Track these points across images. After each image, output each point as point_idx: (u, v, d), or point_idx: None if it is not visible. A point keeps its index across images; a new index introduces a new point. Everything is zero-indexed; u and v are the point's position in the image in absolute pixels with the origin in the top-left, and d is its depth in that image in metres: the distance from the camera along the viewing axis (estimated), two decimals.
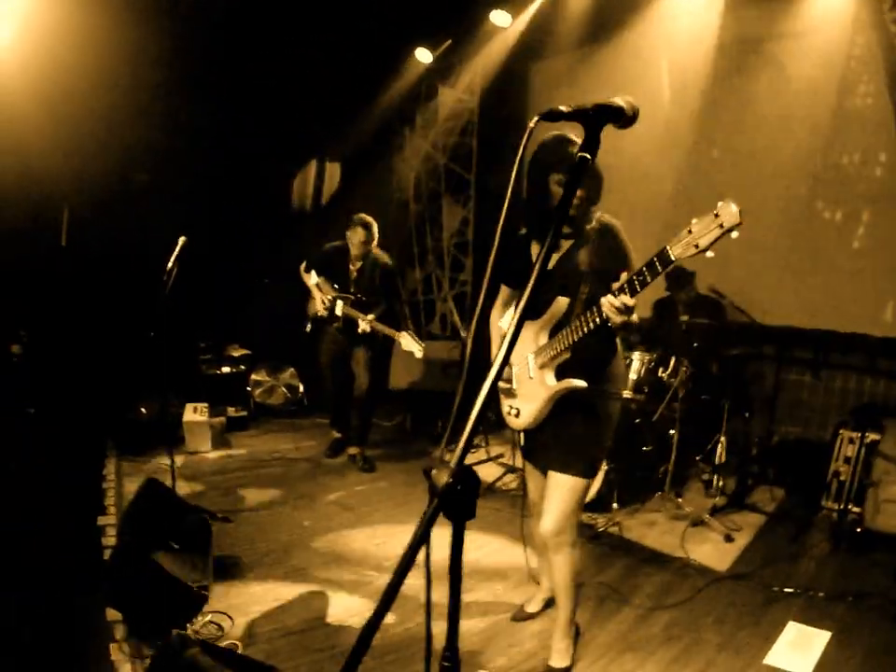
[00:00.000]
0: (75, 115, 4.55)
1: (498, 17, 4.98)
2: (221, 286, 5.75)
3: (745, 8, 4.40)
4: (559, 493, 2.20)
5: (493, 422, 4.99)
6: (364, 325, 4.22)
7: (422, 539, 0.94)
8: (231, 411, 5.18)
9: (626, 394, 3.93)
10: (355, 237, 4.30)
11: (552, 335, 2.18)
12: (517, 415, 2.30)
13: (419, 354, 4.07)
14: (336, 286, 4.44)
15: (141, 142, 5.11)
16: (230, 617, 2.64)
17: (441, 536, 0.91)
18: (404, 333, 4.11)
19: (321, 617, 2.72)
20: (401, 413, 5.75)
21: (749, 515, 3.71)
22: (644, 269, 1.78)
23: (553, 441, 2.26)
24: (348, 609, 2.78)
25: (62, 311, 4.86)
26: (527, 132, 1.11)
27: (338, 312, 4.36)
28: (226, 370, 5.48)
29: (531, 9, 4.90)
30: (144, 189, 5.32)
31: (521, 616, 2.72)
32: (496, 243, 1.16)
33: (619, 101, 1.20)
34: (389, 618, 2.56)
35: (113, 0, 4.25)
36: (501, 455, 4.79)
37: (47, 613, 2.52)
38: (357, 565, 3.19)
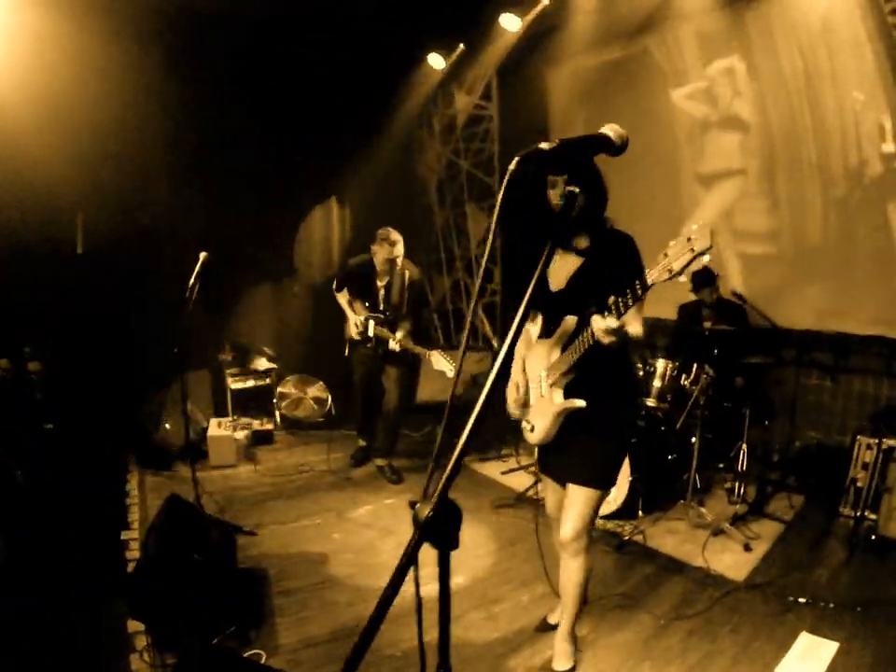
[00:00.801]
0: (80, 125, 4.71)
1: (507, 21, 5.02)
2: (247, 295, 5.93)
3: None
4: (577, 504, 2.29)
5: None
6: (394, 345, 4.30)
7: (405, 567, 1.03)
8: (256, 424, 5.34)
9: (650, 402, 3.97)
10: (381, 253, 4.33)
11: (562, 353, 2.24)
12: (532, 430, 2.39)
13: (450, 373, 4.05)
14: (367, 304, 4.50)
15: (156, 152, 5.28)
16: (255, 628, 2.75)
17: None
18: (434, 353, 4.10)
19: (346, 628, 2.82)
20: (430, 424, 5.81)
21: (768, 524, 3.71)
22: (627, 292, 1.83)
23: (570, 455, 2.33)
24: (366, 621, 2.87)
25: (80, 325, 5.02)
26: (507, 175, 1.11)
27: (370, 332, 4.43)
28: (251, 383, 5.63)
29: (536, 11, 4.90)
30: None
31: (543, 627, 2.79)
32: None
33: (606, 131, 1.26)
34: (405, 632, 2.65)
35: (117, 14, 4.40)
36: (532, 465, 4.83)
37: (70, 624, 2.67)
38: (381, 575, 3.28)
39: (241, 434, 5.00)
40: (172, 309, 3.60)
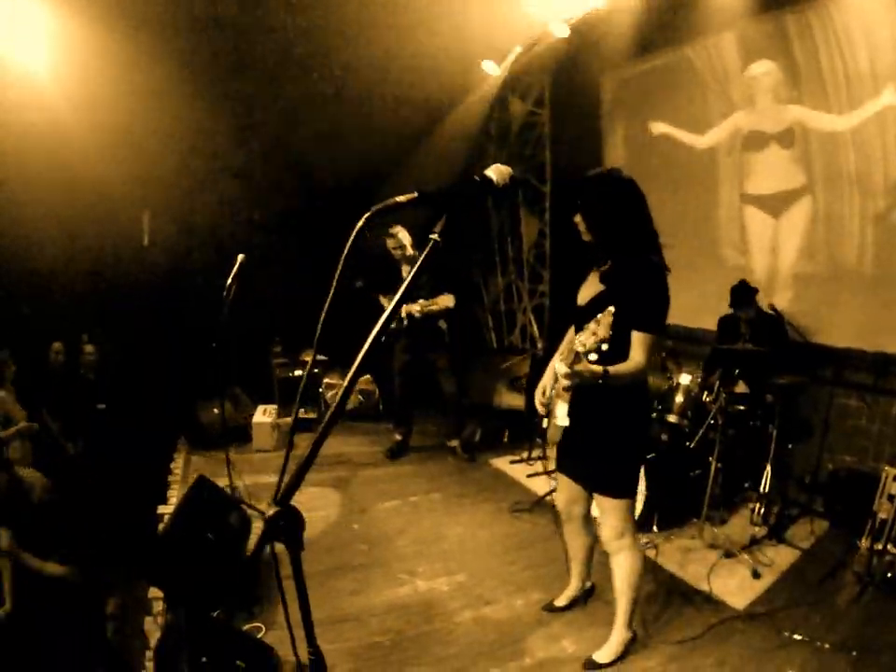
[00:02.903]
0: (143, 135, 5.20)
1: (556, 27, 4.99)
2: (303, 289, 6.23)
3: None
4: (606, 513, 2.46)
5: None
6: (415, 308, 4.62)
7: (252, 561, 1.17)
8: (301, 412, 5.62)
9: (671, 418, 3.91)
10: (390, 244, 4.73)
11: None
12: (548, 429, 2.53)
13: (451, 303, 4.61)
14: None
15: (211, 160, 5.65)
16: (259, 604, 2.98)
17: None
18: (441, 297, 4.61)
19: (343, 614, 3.01)
20: (472, 424, 5.87)
21: (784, 550, 3.54)
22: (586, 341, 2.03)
23: (585, 464, 2.49)
24: (370, 609, 3.06)
25: (138, 312, 5.50)
26: (355, 230, 1.16)
27: (402, 314, 4.69)
28: (298, 373, 5.94)
29: (582, 15, 4.85)
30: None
31: (549, 608, 2.97)
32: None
33: (490, 173, 1.29)
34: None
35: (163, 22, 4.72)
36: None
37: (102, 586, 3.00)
38: (390, 567, 3.47)
39: (283, 421, 5.30)
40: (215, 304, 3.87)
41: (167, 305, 5.59)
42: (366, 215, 1.16)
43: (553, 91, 6.44)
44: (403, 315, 4.69)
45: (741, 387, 4.00)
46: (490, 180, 1.26)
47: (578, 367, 2.03)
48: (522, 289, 7.00)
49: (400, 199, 1.18)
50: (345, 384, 1.16)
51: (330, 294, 1.24)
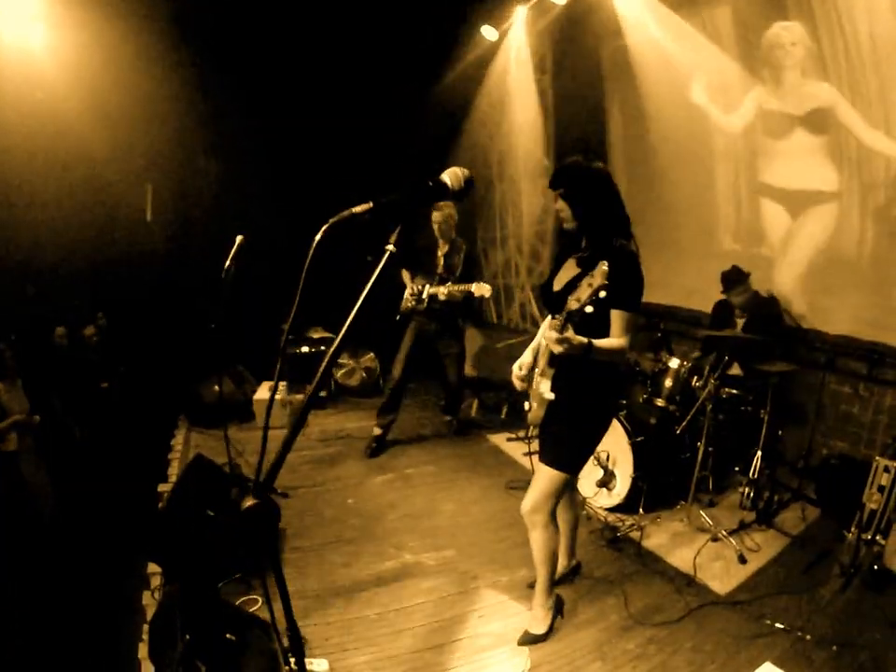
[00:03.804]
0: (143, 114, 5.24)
1: None
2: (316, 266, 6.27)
3: None
4: (538, 479, 2.55)
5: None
6: (442, 291, 4.48)
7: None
8: (308, 389, 5.69)
9: (659, 402, 3.92)
10: (433, 219, 4.57)
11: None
12: (529, 411, 2.60)
13: (488, 294, 4.33)
14: (427, 273, 4.68)
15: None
16: (258, 578, 3.08)
17: None
18: (475, 284, 4.37)
19: (335, 586, 3.13)
20: (468, 399, 5.95)
21: (773, 535, 3.55)
22: (570, 311, 2.08)
23: (544, 438, 2.60)
24: (359, 583, 3.17)
25: (140, 290, 5.57)
26: (314, 243, 1.21)
27: (424, 295, 4.62)
28: (305, 349, 6.00)
29: None
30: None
31: (532, 585, 2.98)
32: None
33: (445, 177, 1.30)
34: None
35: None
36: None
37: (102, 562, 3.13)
38: (380, 541, 3.57)
39: (293, 398, 5.38)
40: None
41: (168, 283, 5.66)
42: (323, 227, 1.20)
43: (554, 58, 6.28)
44: (425, 295, 4.61)
45: (735, 369, 4.00)
46: (445, 185, 1.26)
47: (567, 333, 2.11)
48: (521, 266, 6.95)
49: (356, 210, 1.22)
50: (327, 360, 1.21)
51: (295, 303, 1.29)
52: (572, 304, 2.04)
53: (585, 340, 2.15)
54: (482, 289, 4.32)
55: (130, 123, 5.35)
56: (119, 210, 5.94)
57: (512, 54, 6.27)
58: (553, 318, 2.47)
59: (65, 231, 5.52)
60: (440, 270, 4.63)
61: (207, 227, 5.97)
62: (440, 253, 4.65)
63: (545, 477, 2.52)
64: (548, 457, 2.53)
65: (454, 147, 6.92)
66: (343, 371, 6.30)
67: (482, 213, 7.23)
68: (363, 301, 1.22)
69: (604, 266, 1.97)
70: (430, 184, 1.26)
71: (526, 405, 2.62)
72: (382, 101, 6.10)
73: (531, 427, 2.66)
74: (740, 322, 4.12)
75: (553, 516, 2.58)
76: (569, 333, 2.13)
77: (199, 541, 2.96)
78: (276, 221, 6.05)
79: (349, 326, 1.24)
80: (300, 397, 5.63)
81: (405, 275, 4.81)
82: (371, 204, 1.21)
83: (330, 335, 6.28)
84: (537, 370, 2.54)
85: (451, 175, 1.28)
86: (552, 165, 6.42)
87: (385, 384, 5.08)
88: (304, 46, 5.69)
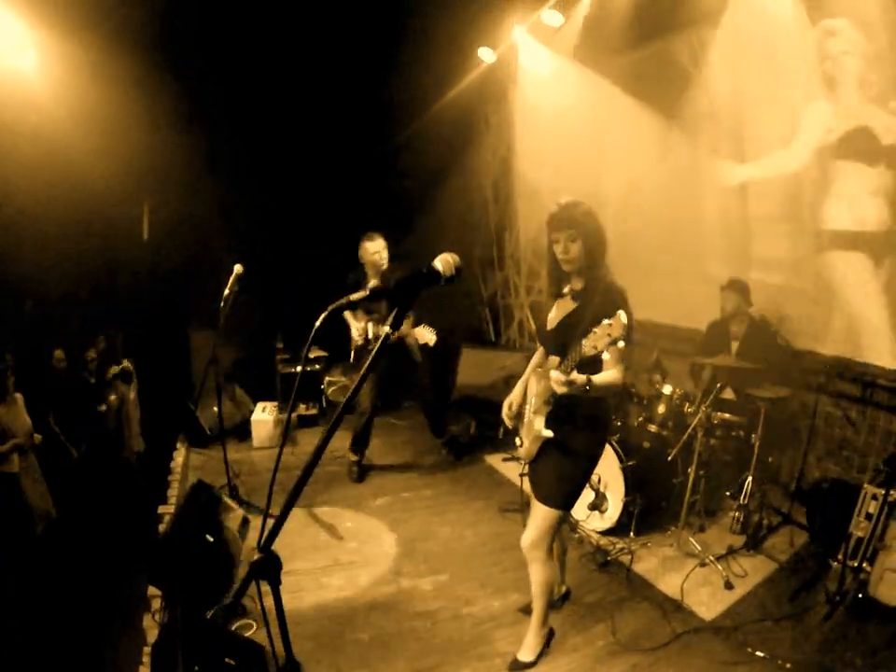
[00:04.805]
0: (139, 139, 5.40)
1: (549, 17, 5.08)
2: (306, 286, 6.43)
3: None
4: (536, 517, 2.69)
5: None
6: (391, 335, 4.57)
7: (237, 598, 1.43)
8: (301, 408, 5.87)
9: (652, 428, 4.07)
10: (366, 251, 4.66)
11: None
12: (521, 446, 2.77)
13: (431, 342, 4.32)
14: (368, 312, 4.82)
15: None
16: (253, 600, 3.22)
17: None
18: (418, 329, 4.39)
19: (329, 610, 3.27)
20: (467, 419, 6.06)
21: (760, 561, 3.67)
22: (576, 352, 2.22)
23: (538, 474, 2.73)
24: (355, 606, 3.32)
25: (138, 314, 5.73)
26: (314, 327, 1.36)
27: (370, 335, 4.74)
28: (300, 369, 6.13)
29: (581, 9, 4.90)
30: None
31: (525, 610, 3.16)
32: None
33: (437, 264, 1.41)
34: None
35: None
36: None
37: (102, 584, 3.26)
38: (376, 566, 3.70)
39: (283, 417, 5.52)
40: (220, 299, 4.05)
41: (167, 304, 5.81)
42: (322, 315, 1.35)
43: None
44: (371, 335, 4.71)
45: (727, 393, 4.14)
46: (437, 272, 1.38)
47: (572, 375, 2.26)
48: (519, 285, 7.12)
49: (354, 297, 1.37)
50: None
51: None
52: (587, 350, 2.13)
53: (586, 378, 2.29)
54: (424, 336, 4.32)
55: (124, 144, 5.50)
56: (115, 230, 6.09)
57: (509, 75, 6.46)
58: (548, 355, 2.63)
59: (61, 250, 5.67)
60: (374, 307, 4.75)
61: (203, 245, 6.12)
62: (370, 284, 4.71)
63: (542, 515, 2.65)
64: (544, 496, 2.65)
65: (451, 169, 7.09)
66: (334, 388, 6.44)
67: (478, 234, 7.41)
68: (361, 380, 1.37)
69: (622, 318, 2.06)
70: (424, 271, 1.38)
71: (518, 441, 2.77)
72: (378, 123, 6.28)
73: (524, 462, 2.79)
74: (735, 344, 4.25)
75: (551, 550, 2.74)
76: (574, 375, 2.27)
77: (199, 567, 3.11)
78: (269, 241, 6.24)
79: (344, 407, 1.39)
80: (293, 416, 5.79)
81: (346, 313, 4.88)
82: (369, 292, 1.37)
83: (324, 353, 6.42)
84: (528, 406, 2.68)
85: (443, 263, 1.39)
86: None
87: (357, 416, 4.92)
88: (299, 69, 5.84)
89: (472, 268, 7.54)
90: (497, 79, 6.49)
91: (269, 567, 1.40)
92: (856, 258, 3.97)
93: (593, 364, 2.37)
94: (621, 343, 2.07)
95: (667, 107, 5.00)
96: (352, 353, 4.97)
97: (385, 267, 4.70)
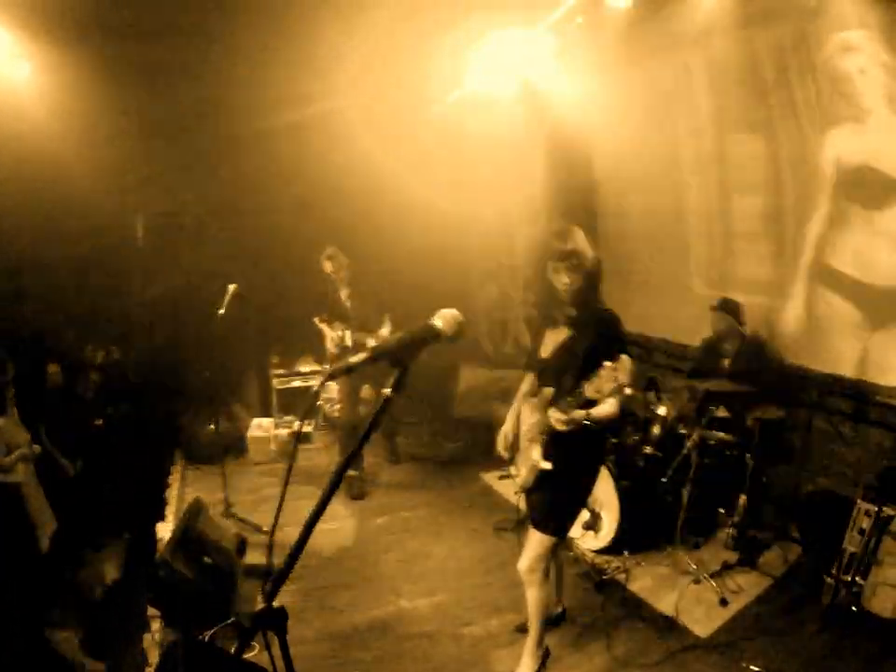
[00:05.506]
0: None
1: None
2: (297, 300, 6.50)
3: None
4: (532, 543, 2.79)
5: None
6: (372, 342, 4.81)
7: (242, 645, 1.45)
8: (299, 424, 5.93)
9: (647, 449, 4.17)
10: (325, 268, 4.92)
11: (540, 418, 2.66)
12: (517, 475, 2.87)
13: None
14: (340, 319, 5.03)
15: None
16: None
17: None
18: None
19: (332, 631, 3.36)
20: (464, 437, 6.20)
21: (755, 577, 3.76)
22: (578, 392, 2.30)
23: (535, 502, 2.82)
24: (356, 627, 3.41)
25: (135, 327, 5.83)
26: (315, 391, 1.43)
27: (348, 342, 4.92)
28: (296, 383, 6.22)
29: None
30: None
31: (521, 629, 3.22)
32: None
33: (437, 322, 1.40)
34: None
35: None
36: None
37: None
38: (377, 585, 3.81)
39: (282, 432, 5.60)
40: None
41: (164, 318, 5.89)
42: (323, 379, 1.44)
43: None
44: (349, 342, 4.92)
45: (722, 411, 4.23)
46: (437, 332, 1.37)
47: (572, 414, 2.37)
48: (515, 298, 7.21)
49: (354, 360, 1.38)
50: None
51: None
52: (590, 393, 2.23)
53: (585, 413, 2.40)
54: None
55: (116, 152, 5.58)
56: (107, 238, 6.15)
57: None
58: (541, 385, 2.71)
59: (54, 261, 5.75)
60: (350, 315, 4.97)
61: (196, 259, 6.19)
62: (342, 296, 4.98)
63: (538, 541, 2.75)
64: (539, 523, 2.76)
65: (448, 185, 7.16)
66: (331, 403, 6.49)
67: (474, 247, 7.49)
68: (363, 440, 1.42)
69: (627, 363, 2.15)
70: (424, 331, 1.37)
71: (513, 470, 2.87)
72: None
73: (520, 491, 2.88)
74: (727, 362, 4.35)
75: (547, 573, 2.83)
76: (574, 413, 2.38)
77: (197, 588, 3.18)
78: (263, 256, 6.31)
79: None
80: (287, 430, 5.86)
81: (319, 323, 5.09)
82: (371, 354, 1.37)
83: (319, 367, 6.48)
84: (524, 436, 2.77)
85: (443, 320, 1.38)
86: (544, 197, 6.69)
87: (348, 430, 5.12)
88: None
89: (469, 279, 7.64)
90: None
91: (275, 619, 1.41)
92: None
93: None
94: (628, 390, 2.16)
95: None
96: (329, 366, 5.14)
97: (347, 280, 4.97)
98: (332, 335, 5.00)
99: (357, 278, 4.99)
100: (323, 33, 4.71)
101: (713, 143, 4.69)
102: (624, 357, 2.16)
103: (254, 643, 3.17)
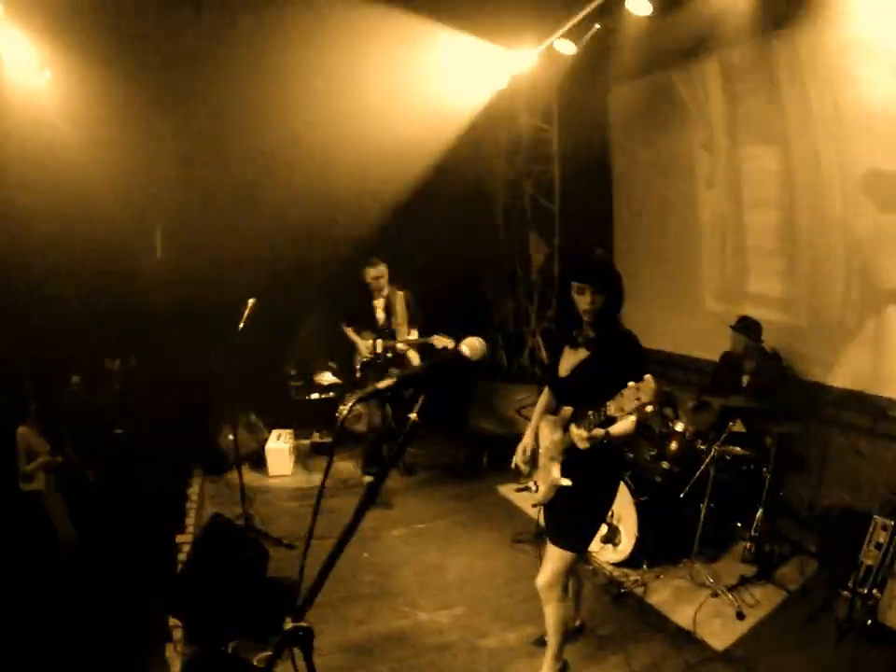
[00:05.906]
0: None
1: (562, 45, 5.26)
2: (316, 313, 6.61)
3: None
4: (551, 559, 2.82)
5: None
6: (401, 345, 5.07)
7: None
8: (316, 436, 6.03)
9: (664, 465, 4.22)
10: (368, 275, 5.14)
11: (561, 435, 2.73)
12: (536, 491, 2.90)
13: (451, 345, 4.66)
14: (371, 328, 5.25)
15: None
16: (273, 633, 3.35)
17: None
18: (434, 336, 4.86)
19: (352, 643, 3.42)
20: (480, 450, 6.20)
21: (771, 590, 3.79)
22: (601, 410, 2.36)
23: (553, 518, 2.87)
24: (374, 639, 3.46)
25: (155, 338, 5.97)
26: (341, 419, 1.50)
27: (378, 349, 5.14)
28: (314, 396, 6.32)
29: (588, 35, 5.06)
30: None
31: (538, 642, 3.29)
32: None
33: (463, 348, 1.47)
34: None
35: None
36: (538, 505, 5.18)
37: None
38: (394, 598, 3.86)
39: (301, 443, 5.69)
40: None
41: (183, 331, 6.00)
42: (350, 403, 1.48)
43: (560, 108, 6.66)
44: (380, 349, 5.14)
45: (738, 426, 4.27)
46: (463, 357, 1.44)
47: (594, 431, 2.42)
48: (531, 311, 7.29)
49: (380, 385, 1.43)
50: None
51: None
52: (613, 411, 2.29)
53: (605, 432, 2.44)
54: (442, 341, 4.77)
55: (133, 164, 5.73)
56: (130, 250, 6.32)
57: (519, 103, 6.68)
58: (560, 403, 2.77)
59: (75, 271, 5.89)
60: (381, 323, 5.21)
61: (211, 270, 6.30)
62: (376, 304, 5.22)
63: (557, 557, 2.78)
64: (559, 539, 2.79)
65: (464, 199, 7.27)
66: (349, 415, 6.58)
67: (488, 262, 7.58)
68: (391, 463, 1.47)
69: (651, 383, 2.16)
70: (450, 357, 1.46)
71: (532, 485, 2.92)
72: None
73: (539, 505, 2.92)
74: (746, 378, 4.40)
75: (566, 589, 2.89)
76: (595, 431, 2.44)
77: (217, 599, 3.26)
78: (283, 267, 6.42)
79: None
80: (306, 442, 5.96)
81: (350, 332, 5.29)
82: (396, 380, 1.43)
83: (338, 381, 6.57)
84: (543, 452, 2.84)
85: (470, 348, 1.45)
86: (557, 211, 6.80)
87: (368, 434, 5.41)
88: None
89: (485, 295, 7.71)
90: (508, 105, 6.68)
91: (302, 637, 1.45)
92: None
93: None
94: (649, 408, 2.18)
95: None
96: (356, 368, 5.27)
97: (385, 291, 5.22)
98: (364, 343, 5.20)
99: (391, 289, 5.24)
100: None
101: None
102: (648, 377, 2.17)
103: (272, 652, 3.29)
